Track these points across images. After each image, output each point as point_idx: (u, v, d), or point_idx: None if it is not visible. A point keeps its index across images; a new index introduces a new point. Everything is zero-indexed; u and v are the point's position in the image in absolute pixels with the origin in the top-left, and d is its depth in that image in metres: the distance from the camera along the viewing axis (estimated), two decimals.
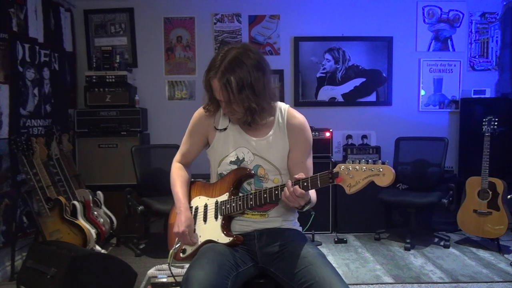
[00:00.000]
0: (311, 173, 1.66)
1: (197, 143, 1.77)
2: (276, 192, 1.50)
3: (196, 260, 1.47)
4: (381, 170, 1.31)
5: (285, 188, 1.45)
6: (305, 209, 1.56)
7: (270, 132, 1.65)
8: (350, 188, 1.36)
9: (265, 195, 1.53)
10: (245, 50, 1.54)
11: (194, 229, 1.67)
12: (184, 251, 1.67)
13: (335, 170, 1.39)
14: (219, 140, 1.69)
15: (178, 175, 1.78)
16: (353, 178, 1.35)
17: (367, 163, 1.34)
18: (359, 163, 1.35)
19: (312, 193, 1.56)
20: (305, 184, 1.43)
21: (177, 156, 1.84)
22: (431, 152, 3.97)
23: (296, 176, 1.46)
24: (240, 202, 1.58)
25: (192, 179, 1.83)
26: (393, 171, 1.31)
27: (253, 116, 1.57)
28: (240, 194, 1.61)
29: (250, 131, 1.66)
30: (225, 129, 1.68)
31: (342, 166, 1.37)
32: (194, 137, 1.77)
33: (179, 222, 1.63)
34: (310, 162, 1.69)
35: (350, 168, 1.36)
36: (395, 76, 4.52)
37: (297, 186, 1.43)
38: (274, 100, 1.64)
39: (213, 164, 1.73)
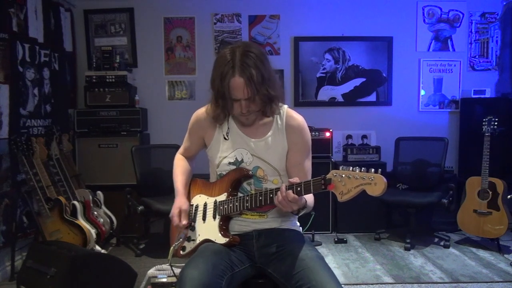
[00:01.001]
0: (309, 175, 1.67)
1: (196, 143, 1.81)
2: (271, 195, 1.49)
3: (191, 260, 1.48)
4: (372, 179, 1.26)
5: (278, 192, 1.44)
6: (300, 214, 1.55)
7: (269, 133, 1.65)
8: (342, 196, 1.32)
9: (260, 198, 1.52)
10: (247, 45, 1.57)
11: (194, 227, 1.67)
12: (184, 248, 1.68)
13: (328, 176, 1.35)
14: (218, 141, 1.69)
15: (178, 165, 1.84)
16: (345, 186, 1.30)
17: (361, 171, 1.29)
18: (353, 170, 1.30)
19: (310, 197, 1.53)
20: (299, 189, 1.41)
21: (180, 149, 1.89)
22: (431, 152, 3.97)
23: (290, 180, 1.44)
24: (237, 203, 1.58)
25: (192, 178, 1.85)
26: (385, 180, 1.25)
27: (271, 104, 1.58)
28: (240, 195, 1.61)
29: (249, 132, 1.66)
30: (227, 134, 1.68)
31: (335, 173, 1.33)
32: (193, 138, 1.80)
33: (173, 206, 1.68)
34: (308, 163, 1.68)
35: (343, 175, 1.31)
36: (395, 76, 4.52)
37: (290, 191, 1.41)
38: (279, 89, 1.64)
39: (212, 164, 1.73)
